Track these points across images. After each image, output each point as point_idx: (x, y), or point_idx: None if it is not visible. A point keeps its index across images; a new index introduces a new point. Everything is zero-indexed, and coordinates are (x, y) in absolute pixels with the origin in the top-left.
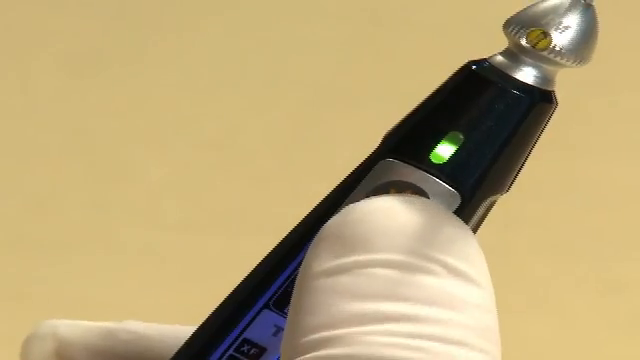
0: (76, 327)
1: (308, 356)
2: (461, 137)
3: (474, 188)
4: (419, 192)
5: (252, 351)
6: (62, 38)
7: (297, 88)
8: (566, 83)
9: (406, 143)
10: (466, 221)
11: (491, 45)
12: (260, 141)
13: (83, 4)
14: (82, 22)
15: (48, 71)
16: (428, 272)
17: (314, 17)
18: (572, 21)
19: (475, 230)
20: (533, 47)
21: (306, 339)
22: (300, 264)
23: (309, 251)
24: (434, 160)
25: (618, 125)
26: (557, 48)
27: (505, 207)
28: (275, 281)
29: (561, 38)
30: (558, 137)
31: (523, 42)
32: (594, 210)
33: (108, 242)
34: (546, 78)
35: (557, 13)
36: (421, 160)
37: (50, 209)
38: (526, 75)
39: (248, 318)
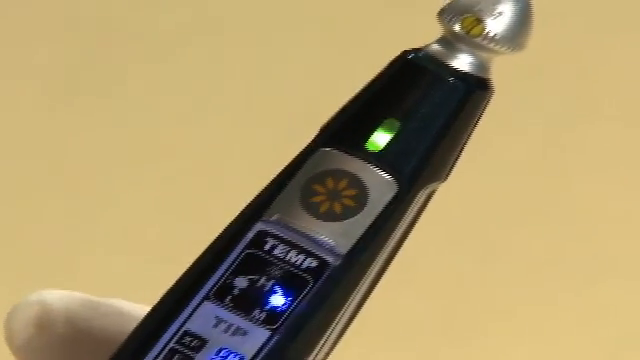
0: (63, 295)
1: None
2: (397, 125)
3: (412, 176)
4: (356, 181)
5: (193, 343)
6: (43, 64)
7: (276, 115)
8: (544, 112)
9: (342, 132)
10: (404, 209)
11: None
12: (241, 167)
13: (62, 31)
14: (61, 49)
15: (27, 97)
16: None
17: (295, 43)
18: (506, 7)
19: (415, 219)
20: (467, 34)
21: None
22: (239, 255)
23: None
24: (370, 148)
25: (600, 152)
26: (491, 34)
27: (487, 233)
28: (215, 273)
29: (495, 24)
30: (539, 163)
31: (457, 29)
32: (577, 236)
33: (87, 268)
34: (482, 65)
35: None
36: (357, 148)
37: (27, 233)
38: (462, 62)
39: (189, 310)
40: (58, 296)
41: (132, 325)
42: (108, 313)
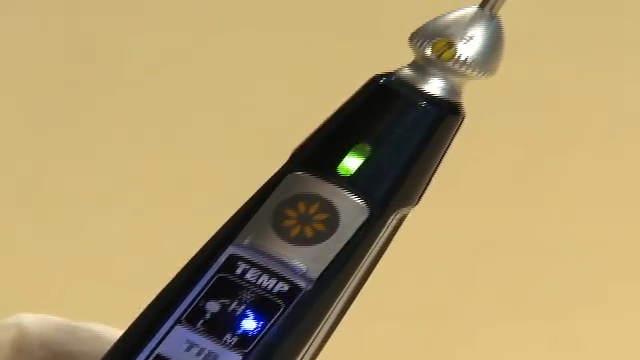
0: (40, 319)
1: None
2: (369, 149)
3: (383, 200)
4: (327, 205)
5: None
6: (11, 94)
7: (248, 139)
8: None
9: (314, 156)
10: (376, 234)
11: None
12: (212, 193)
13: (31, 61)
14: (30, 79)
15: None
16: None
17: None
18: (477, 31)
19: (386, 244)
20: (438, 58)
21: None
22: (211, 279)
23: None
24: (342, 172)
25: (574, 179)
26: (462, 58)
27: (459, 263)
28: (186, 296)
29: (466, 48)
30: (509, 193)
31: (428, 53)
32: (546, 266)
33: (60, 297)
34: (453, 90)
35: (462, 24)
36: (329, 173)
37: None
38: (433, 87)
39: (161, 334)
40: (35, 320)
41: (105, 349)
42: (84, 337)
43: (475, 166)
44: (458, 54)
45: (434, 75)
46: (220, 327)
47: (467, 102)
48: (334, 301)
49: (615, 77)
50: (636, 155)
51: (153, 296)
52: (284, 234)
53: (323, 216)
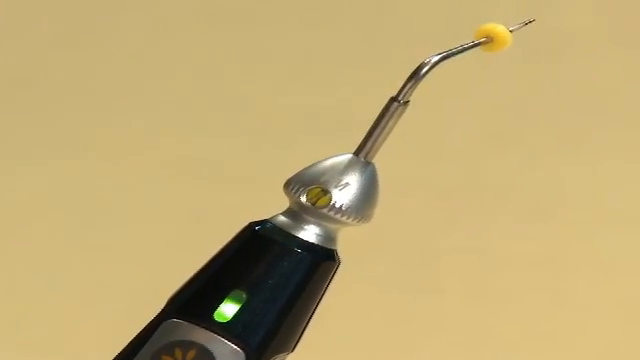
0: None
1: None
2: (244, 296)
3: (259, 347)
4: (204, 351)
5: None
6: None
7: (125, 286)
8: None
9: (190, 303)
10: None
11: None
12: (86, 343)
13: None
14: None
15: None
16: None
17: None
18: (352, 178)
19: None
20: (313, 205)
21: None
22: None
23: None
24: (218, 319)
25: (439, 322)
26: (337, 205)
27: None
28: None
29: (341, 195)
30: (381, 333)
31: (303, 200)
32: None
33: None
34: (329, 236)
35: (336, 171)
36: (205, 319)
37: None
38: (308, 234)
39: None
40: None
41: None
42: None
43: (345, 307)
44: (333, 201)
45: (309, 222)
46: None
47: (342, 245)
48: None
49: None
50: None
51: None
52: None
53: None
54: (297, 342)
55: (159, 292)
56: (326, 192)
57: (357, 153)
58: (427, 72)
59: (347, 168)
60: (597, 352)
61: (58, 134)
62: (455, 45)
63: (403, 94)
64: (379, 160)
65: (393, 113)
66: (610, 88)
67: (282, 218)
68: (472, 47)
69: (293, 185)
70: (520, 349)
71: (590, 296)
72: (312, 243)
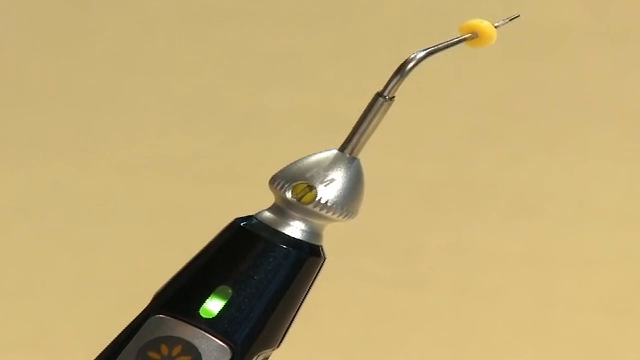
0: None
1: None
2: (230, 292)
3: (245, 342)
4: (190, 347)
5: None
6: None
7: (109, 282)
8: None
9: (176, 299)
10: None
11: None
12: (73, 342)
13: None
14: None
15: None
16: None
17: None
18: (337, 174)
19: None
20: (299, 201)
21: None
22: None
23: None
24: (204, 315)
25: (428, 320)
26: (322, 201)
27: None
28: None
29: (326, 191)
30: (363, 336)
31: (288, 196)
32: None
33: None
34: (314, 232)
35: (322, 166)
36: (191, 315)
37: None
38: (294, 230)
39: None
40: None
41: None
42: None
43: (333, 305)
44: (318, 197)
45: (295, 218)
46: None
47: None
48: None
49: None
50: None
51: None
52: None
53: (186, 358)
54: (283, 338)
55: (143, 289)
56: (311, 188)
57: (342, 149)
58: (412, 68)
59: (332, 164)
60: (582, 348)
61: (39, 134)
62: (440, 41)
63: (388, 90)
64: (364, 156)
65: (379, 109)
66: (595, 85)
67: (267, 214)
68: (457, 43)
69: (278, 181)
70: (505, 346)
71: (574, 293)
72: (298, 239)
